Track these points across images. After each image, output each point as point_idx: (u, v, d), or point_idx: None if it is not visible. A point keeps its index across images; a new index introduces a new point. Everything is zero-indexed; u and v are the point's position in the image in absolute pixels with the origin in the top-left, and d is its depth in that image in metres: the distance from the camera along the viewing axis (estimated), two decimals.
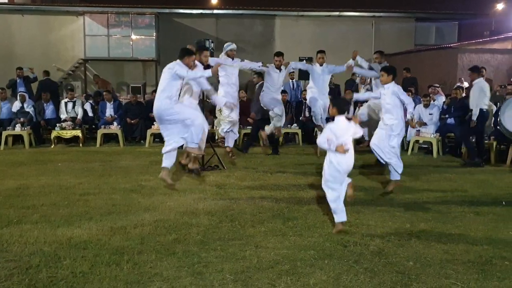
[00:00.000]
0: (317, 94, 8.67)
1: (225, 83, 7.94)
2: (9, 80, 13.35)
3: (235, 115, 7.97)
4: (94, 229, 4.93)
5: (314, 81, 8.83)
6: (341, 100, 5.21)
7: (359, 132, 4.86)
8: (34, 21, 19.46)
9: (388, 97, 6.37)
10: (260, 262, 4.00)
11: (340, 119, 4.75)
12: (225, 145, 8.28)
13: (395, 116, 6.37)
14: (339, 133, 4.69)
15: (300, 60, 13.23)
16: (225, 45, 8.11)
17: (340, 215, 4.75)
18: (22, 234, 4.73)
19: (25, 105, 12.08)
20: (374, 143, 6.47)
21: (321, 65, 8.76)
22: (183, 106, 6.40)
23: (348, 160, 4.73)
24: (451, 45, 18.07)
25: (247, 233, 4.80)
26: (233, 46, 8.04)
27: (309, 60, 13.24)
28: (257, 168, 8.51)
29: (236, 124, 8.13)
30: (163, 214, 5.51)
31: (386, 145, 6.40)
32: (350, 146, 4.72)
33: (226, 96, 7.81)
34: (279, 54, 8.52)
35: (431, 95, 11.13)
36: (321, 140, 4.75)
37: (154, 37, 19.31)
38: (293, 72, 13.13)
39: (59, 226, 5.00)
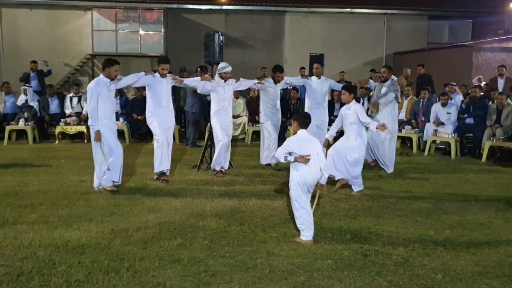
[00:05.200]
0: (311, 115, 8.18)
1: (216, 110, 7.48)
2: (23, 73, 13.12)
3: (226, 138, 7.51)
4: (94, 231, 4.61)
5: (309, 95, 8.20)
6: (304, 115, 4.85)
7: (321, 153, 4.52)
8: (42, 16, 19.22)
9: (352, 117, 6.19)
10: (272, 272, 3.65)
11: (301, 133, 4.50)
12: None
13: (355, 138, 6.20)
14: (300, 147, 4.37)
15: (311, 56, 12.79)
16: (219, 66, 7.52)
17: (307, 233, 4.38)
18: (17, 235, 4.44)
19: (29, 99, 11.81)
20: (330, 153, 6.28)
21: (318, 77, 8.11)
22: None
23: (312, 173, 4.37)
24: (466, 43, 17.60)
25: (258, 238, 4.45)
26: (228, 68, 7.42)
27: (320, 56, 12.86)
28: (267, 166, 8.14)
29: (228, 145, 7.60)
30: (168, 215, 5.18)
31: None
32: (314, 162, 4.37)
33: (218, 122, 7.43)
34: (282, 70, 8.11)
35: (448, 93, 10.70)
36: (280, 152, 4.46)
37: (162, 33, 19.02)
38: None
39: (56, 228, 4.70)
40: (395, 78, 8.27)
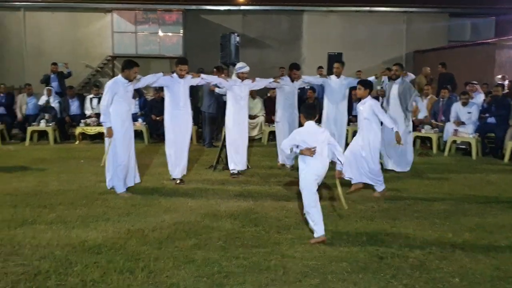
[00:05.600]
0: (330, 115, 8.13)
1: (232, 110, 7.46)
2: (44, 75, 13.32)
3: (240, 140, 7.49)
4: (110, 231, 4.66)
5: (328, 94, 8.15)
6: (307, 105, 4.88)
7: (332, 140, 4.58)
8: (63, 18, 19.53)
9: (366, 112, 6.06)
10: (286, 274, 3.62)
11: (309, 125, 4.52)
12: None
13: (368, 134, 6.07)
14: (307, 138, 4.41)
15: (330, 55, 12.74)
16: (237, 66, 7.52)
17: (319, 228, 4.37)
18: (35, 235, 4.50)
19: (50, 100, 11.99)
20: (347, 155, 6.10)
21: (338, 76, 8.05)
22: None
23: (320, 165, 4.44)
24: (488, 40, 17.25)
25: (272, 240, 4.43)
26: (246, 68, 7.41)
27: (339, 55, 12.80)
28: (283, 167, 8.10)
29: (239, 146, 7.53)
30: (184, 216, 5.20)
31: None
32: (320, 150, 4.42)
33: (233, 123, 7.42)
34: (298, 68, 8.09)
35: (469, 92, 10.50)
36: (285, 144, 4.55)
37: (181, 34, 19.15)
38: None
39: (74, 228, 4.76)
40: (412, 76, 8.18)
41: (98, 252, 4.08)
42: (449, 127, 10.01)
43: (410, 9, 20.05)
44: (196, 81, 7.25)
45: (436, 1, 20.29)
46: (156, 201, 5.83)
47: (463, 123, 9.87)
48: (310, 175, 4.42)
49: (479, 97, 10.82)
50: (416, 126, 10.65)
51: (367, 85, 6.17)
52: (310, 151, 4.37)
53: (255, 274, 3.63)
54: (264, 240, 4.42)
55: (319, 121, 11.48)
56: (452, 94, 11.05)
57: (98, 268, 3.72)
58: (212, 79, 7.64)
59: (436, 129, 10.33)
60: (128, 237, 4.48)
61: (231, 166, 7.47)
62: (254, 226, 4.83)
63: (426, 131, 10.28)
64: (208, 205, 5.65)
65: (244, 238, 4.47)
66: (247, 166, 7.91)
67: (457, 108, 10.09)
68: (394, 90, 7.79)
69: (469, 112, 9.92)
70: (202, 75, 7.35)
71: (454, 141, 9.97)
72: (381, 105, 7.24)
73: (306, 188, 4.43)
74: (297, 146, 4.46)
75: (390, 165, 7.81)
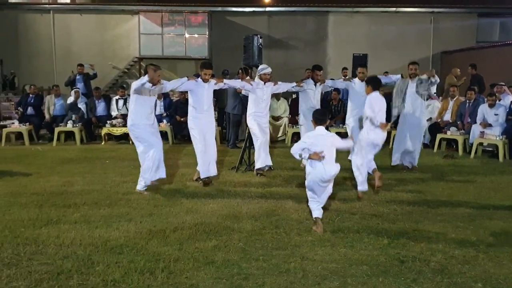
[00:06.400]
0: (354, 117, 8.08)
1: (253, 111, 7.48)
2: (69, 76, 13.58)
3: (264, 135, 7.51)
4: (132, 231, 4.71)
5: (352, 98, 8.17)
6: (318, 112, 5.13)
7: (339, 143, 4.86)
8: (91, 20, 19.96)
9: (367, 109, 6.05)
10: (305, 277, 3.61)
11: (318, 129, 4.84)
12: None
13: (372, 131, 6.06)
14: (316, 141, 4.70)
15: (354, 56, 12.64)
16: (259, 68, 7.57)
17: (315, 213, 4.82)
18: (59, 235, 4.59)
19: (78, 100, 12.23)
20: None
21: (362, 80, 7.99)
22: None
23: (325, 169, 4.66)
24: None
25: (293, 242, 4.42)
26: (267, 70, 7.45)
27: (364, 57, 12.68)
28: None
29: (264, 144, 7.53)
30: (205, 217, 5.23)
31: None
32: (329, 156, 4.68)
33: (255, 122, 7.44)
34: (320, 69, 8.10)
35: (496, 94, 10.27)
36: (295, 148, 4.83)
37: (206, 36, 19.32)
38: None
39: (97, 228, 4.83)
40: (437, 80, 8.07)
41: (120, 252, 4.14)
42: (476, 129, 9.80)
43: (437, 9, 19.80)
44: (219, 86, 7.30)
45: (463, 1, 19.96)
46: (178, 202, 5.88)
47: (490, 125, 9.66)
48: (315, 178, 4.72)
49: (507, 99, 10.56)
50: (442, 128, 10.49)
51: (371, 82, 6.12)
52: (318, 156, 4.61)
53: (274, 276, 3.62)
54: (285, 242, 4.41)
55: (343, 122, 11.46)
56: (479, 96, 10.82)
57: (119, 268, 3.77)
58: (235, 83, 7.69)
59: (462, 131, 10.12)
60: (149, 237, 4.53)
61: (263, 164, 7.51)
62: (275, 228, 4.82)
63: (452, 133, 10.09)
64: (229, 206, 5.67)
65: (265, 240, 4.47)
66: (271, 168, 7.90)
67: (484, 109, 9.88)
68: (411, 88, 7.79)
69: (496, 114, 9.69)
70: (225, 81, 7.41)
71: (481, 143, 9.76)
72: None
73: (311, 190, 4.85)
74: (306, 150, 4.72)
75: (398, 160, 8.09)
